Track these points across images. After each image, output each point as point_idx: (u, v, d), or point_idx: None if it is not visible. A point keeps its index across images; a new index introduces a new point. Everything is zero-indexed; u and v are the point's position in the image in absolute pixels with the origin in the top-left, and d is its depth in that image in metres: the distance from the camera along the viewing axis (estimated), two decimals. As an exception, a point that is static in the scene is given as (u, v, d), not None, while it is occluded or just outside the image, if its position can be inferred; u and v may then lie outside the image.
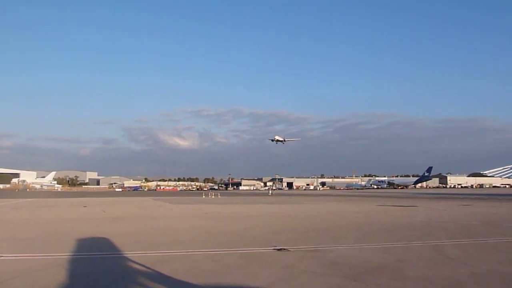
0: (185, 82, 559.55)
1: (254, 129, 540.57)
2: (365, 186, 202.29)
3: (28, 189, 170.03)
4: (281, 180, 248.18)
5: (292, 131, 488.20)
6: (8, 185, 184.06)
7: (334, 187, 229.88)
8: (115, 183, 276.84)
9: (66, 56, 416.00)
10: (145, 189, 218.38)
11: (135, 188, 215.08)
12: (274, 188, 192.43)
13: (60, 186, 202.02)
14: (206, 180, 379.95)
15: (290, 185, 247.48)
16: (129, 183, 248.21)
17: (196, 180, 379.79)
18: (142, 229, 20.08)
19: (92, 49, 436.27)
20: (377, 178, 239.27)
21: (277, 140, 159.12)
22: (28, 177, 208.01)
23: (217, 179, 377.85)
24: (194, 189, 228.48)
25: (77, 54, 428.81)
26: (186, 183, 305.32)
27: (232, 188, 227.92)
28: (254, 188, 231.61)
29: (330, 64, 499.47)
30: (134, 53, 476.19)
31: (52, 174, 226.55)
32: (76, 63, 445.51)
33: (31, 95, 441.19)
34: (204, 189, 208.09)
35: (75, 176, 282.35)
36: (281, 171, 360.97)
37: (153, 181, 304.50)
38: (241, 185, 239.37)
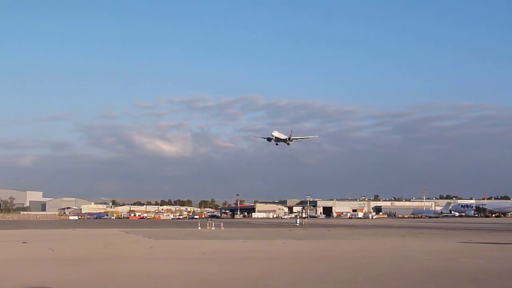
0: (171, 58, 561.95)
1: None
2: (441, 212, 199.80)
3: None
4: (314, 204, 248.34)
5: (329, 131, 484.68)
6: None
7: (395, 214, 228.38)
8: (68, 207, 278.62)
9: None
10: (113, 217, 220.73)
11: (98, 216, 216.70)
12: (304, 215, 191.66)
13: None
14: (203, 204, 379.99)
15: (328, 211, 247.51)
16: (90, 207, 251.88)
17: (189, 203, 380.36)
18: (107, 277, 20.05)
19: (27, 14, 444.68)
20: (459, 202, 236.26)
21: (277, 139, 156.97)
22: None
23: (219, 202, 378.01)
24: (185, 216, 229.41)
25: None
26: (173, 207, 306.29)
27: (242, 215, 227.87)
28: (275, 215, 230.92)
29: (383, 34, 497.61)
30: (86, 16, 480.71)
31: None
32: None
33: None
34: (201, 216, 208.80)
35: (10, 198, 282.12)
36: (314, 191, 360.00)
37: (124, 204, 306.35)
38: (254, 211, 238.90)
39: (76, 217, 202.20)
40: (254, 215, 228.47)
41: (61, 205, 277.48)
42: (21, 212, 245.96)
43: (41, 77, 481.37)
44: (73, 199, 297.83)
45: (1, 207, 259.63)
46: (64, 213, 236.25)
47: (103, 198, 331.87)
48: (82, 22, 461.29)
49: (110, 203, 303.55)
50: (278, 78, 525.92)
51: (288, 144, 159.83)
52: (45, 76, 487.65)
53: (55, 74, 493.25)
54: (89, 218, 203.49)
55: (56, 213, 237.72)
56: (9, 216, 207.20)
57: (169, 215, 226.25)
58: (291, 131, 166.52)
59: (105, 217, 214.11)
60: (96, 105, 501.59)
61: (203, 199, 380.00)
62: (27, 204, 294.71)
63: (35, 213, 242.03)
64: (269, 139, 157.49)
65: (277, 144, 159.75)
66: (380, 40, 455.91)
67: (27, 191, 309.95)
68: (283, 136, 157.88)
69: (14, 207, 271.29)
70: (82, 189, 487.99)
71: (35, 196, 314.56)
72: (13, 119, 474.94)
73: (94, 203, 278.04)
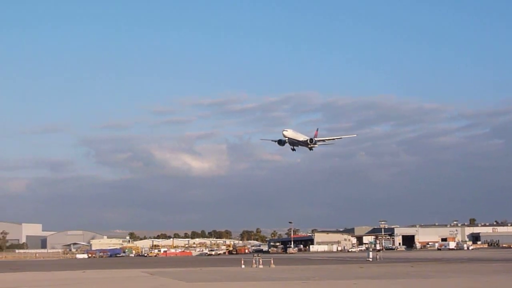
0: (195, 47, 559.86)
1: (333, 134, 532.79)
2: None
3: None
4: (391, 233, 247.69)
5: (406, 136, 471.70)
6: None
7: (498, 244, 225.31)
8: (75, 243, 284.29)
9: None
10: (132, 254, 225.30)
11: (113, 253, 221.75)
12: (378, 247, 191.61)
13: None
14: (245, 236, 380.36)
15: (409, 241, 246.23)
16: (102, 243, 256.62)
17: (227, 235, 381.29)
18: None
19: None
20: None
21: (292, 142, 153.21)
22: None
23: (267, 232, 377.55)
24: (223, 251, 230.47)
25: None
26: (208, 240, 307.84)
27: (296, 248, 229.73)
28: (339, 247, 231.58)
29: (466, 20, 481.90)
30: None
31: None
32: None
33: None
34: (243, 251, 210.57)
35: (2, 233, 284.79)
36: (390, 215, 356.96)
37: (145, 238, 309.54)
38: (313, 243, 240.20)
39: (85, 256, 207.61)
40: (313, 248, 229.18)
41: (65, 240, 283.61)
42: (16, 251, 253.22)
43: (30, 78, 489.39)
44: (80, 232, 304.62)
45: None
46: (70, 250, 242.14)
47: (118, 231, 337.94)
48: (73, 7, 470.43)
49: (127, 237, 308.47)
50: (337, 70, 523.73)
51: (310, 148, 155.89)
52: (34, 77, 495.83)
53: (46, 73, 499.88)
54: (101, 256, 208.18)
55: (60, 250, 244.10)
56: (1, 256, 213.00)
57: (202, 250, 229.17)
58: (317, 130, 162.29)
59: (122, 254, 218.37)
60: (101, 111, 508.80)
61: (246, 229, 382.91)
62: (23, 240, 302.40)
63: (33, 251, 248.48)
64: (280, 142, 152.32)
65: (293, 150, 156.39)
66: (462, 28, 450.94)
67: (23, 224, 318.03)
68: (301, 137, 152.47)
69: (8, 244, 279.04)
70: (91, 220, 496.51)
71: (33, 229, 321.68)
72: None
73: (107, 237, 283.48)
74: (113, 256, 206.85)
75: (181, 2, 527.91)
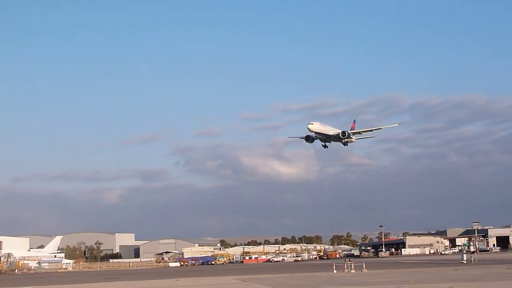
0: (283, 53, 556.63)
1: (422, 136, 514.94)
2: None
3: (17, 270, 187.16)
4: (484, 234, 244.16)
5: (500, 135, 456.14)
6: None
7: None
8: (167, 252, 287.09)
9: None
10: (223, 261, 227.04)
11: (205, 261, 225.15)
12: (472, 249, 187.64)
13: (71, 262, 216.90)
14: (336, 240, 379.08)
15: (503, 242, 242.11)
16: (194, 251, 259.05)
17: (318, 240, 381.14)
18: None
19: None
20: None
21: (321, 136, 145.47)
22: (16, 247, 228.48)
23: (357, 236, 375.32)
24: (314, 257, 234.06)
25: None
26: (298, 246, 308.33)
27: (388, 252, 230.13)
28: (432, 250, 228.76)
29: None
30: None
31: (56, 241, 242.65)
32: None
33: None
34: (334, 256, 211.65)
35: (97, 243, 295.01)
36: (483, 216, 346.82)
37: (236, 245, 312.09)
38: (405, 247, 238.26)
39: (177, 264, 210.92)
40: (405, 251, 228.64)
41: (158, 249, 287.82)
42: (110, 260, 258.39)
43: (124, 91, 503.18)
44: (172, 241, 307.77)
45: (87, 255, 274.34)
46: (163, 259, 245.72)
47: (209, 239, 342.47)
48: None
49: (219, 244, 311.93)
50: (425, 69, 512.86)
51: (345, 143, 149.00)
52: (129, 89, 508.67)
53: (141, 86, 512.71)
54: (193, 264, 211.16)
55: (153, 259, 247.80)
56: (96, 266, 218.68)
57: (295, 257, 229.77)
58: (354, 122, 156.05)
59: (214, 262, 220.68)
60: (194, 120, 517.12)
61: (336, 234, 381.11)
62: (117, 250, 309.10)
63: (127, 260, 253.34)
64: (308, 138, 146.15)
65: (325, 147, 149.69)
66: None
67: (116, 234, 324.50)
68: (332, 131, 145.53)
69: (102, 254, 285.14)
70: (182, 229, 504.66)
71: (126, 239, 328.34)
72: (95, 145, 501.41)
73: (199, 245, 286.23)
74: (205, 264, 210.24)
75: (268, 7, 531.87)
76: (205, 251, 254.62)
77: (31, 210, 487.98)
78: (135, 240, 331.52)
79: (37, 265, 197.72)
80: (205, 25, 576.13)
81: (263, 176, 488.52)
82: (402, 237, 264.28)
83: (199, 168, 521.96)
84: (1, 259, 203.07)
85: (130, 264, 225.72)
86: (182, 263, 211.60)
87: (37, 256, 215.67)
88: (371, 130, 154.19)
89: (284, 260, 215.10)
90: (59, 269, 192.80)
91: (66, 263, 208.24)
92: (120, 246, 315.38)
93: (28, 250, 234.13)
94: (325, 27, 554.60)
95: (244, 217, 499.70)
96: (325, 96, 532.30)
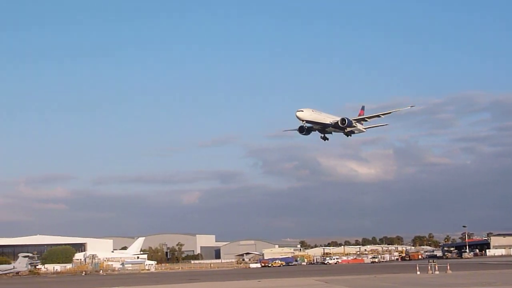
0: (360, 51, 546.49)
1: (503, 133, 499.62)
2: None
3: (102, 271, 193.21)
4: None
5: None
6: (68, 266, 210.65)
7: None
8: (247, 253, 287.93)
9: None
10: (304, 262, 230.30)
11: (286, 262, 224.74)
12: None
13: (153, 263, 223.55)
14: (418, 241, 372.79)
15: None
16: (274, 252, 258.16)
17: (399, 241, 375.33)
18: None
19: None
20: None
21: (314, 125, 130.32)
22: (100, 248, 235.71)
23: (440, 237, 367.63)
24: (395, 258, 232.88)
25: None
26: (379, 247, 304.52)
27: (472, 253, 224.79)
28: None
29: None
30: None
31: (139, 242, 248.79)
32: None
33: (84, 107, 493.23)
34: (417, 257, 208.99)
35: (178, 244, 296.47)
36: None
37: (315, 246, 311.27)
38: (489, 247, 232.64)
39: (258, 265, 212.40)
40: (489, 252, 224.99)
41: (238, 250, 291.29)
42: (192, 261, 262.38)
43: (200, 94, 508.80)
44: (252, 242, 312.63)
45: (168, 256, 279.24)
46: (243, 260, 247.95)
47: (288, 240, 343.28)
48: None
49: (298, 245, 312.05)
50: (504, 66, 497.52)
51: (347, 134, 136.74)
52: (203, 92, 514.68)
53: (215, 89, 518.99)
54: (274, 265, 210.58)
55: (233, 260, 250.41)
56: (178, 267, 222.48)
57: (377, 258, 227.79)
58: (363, 109, 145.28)
59: (295, 263, 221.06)
60: (267, 122, 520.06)
61: (418, 235, 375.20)
62: (198, 251, 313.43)
63: (208, 261, 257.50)
64: (302, 130, 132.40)
65: (325, 139, 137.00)
66: None
67: (197, 235, 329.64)
68: (328, 119, 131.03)
69: (183, 255, 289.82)
70: (261, 229, 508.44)
71: (207, 240, 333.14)
72: (171, 148, 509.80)
73: (279, 246, 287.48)
74: (287, 265, 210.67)
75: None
76: (285, 252, 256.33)
77: (112, 212, 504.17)
78: (216, 241, 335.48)
79: (121, 266, 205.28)
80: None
81: (341, 176, 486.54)
82: (486, 238, 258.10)
83: (275, 170, 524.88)
84: (86, 260, 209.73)
85: (211, 265, 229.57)
86: (263, 264, 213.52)
87: (120, 257, 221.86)
88: (378, 116, 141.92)
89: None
90: (142, 270, 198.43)
91: (149, 264, 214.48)
92: (201, 248, 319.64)
93: (112, 252, 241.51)
94: (401, 23, 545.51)
95: (323, 218, 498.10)
96: (401, 96, 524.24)
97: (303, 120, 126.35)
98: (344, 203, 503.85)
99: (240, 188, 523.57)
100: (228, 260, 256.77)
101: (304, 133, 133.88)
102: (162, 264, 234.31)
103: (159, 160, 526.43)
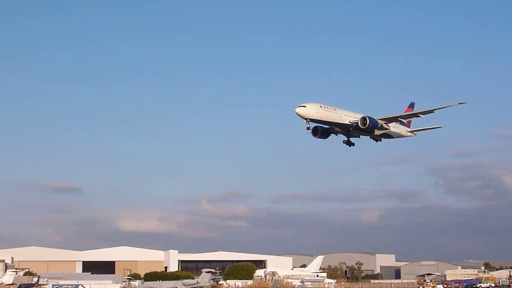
0: None
1: None
2: None
3: None
4: None
5: None
6: (249, 282, 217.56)
7: None
8: (428, 273, 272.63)
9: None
10: (488, 284, 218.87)
11: (469, 284, 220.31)
12: None
13: (333, 281, 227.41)
14: None
15: None
16: (456, 273, 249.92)
17: None
18: None
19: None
20: None
21: (334, 125, 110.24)
22: (280, 266, 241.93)
23: None
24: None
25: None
26: None
27: None
28: None
29: None
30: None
31: (318, 260, 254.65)
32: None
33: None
34: None
35: (357, 263, 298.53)
36: None
37: (501, 268, 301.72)
38: None
39: (441, 286, 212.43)
40: None
41: (419, 270, 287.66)
42: (371, 281, 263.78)
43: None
44: (433, 262, 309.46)
45: (347, 275, 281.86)
46: (424, 281, 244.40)
47: (471, 261, 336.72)
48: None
49: (482, 267, 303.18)
50: None
51: (376, 138, 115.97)
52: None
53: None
54: (457, 287, 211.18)
55: (414, 281, 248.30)
56: (357, 286, 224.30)
57: None
58: (411, 107, 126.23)
59: (478, 285, 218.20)
60: (447, 140, 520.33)
61: None
62: (378, 270, 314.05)
63: (388, 281, 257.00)
64: (316, 132, 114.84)
65: (349, 144, 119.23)
66: None
67: (376, 254, 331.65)
68: (347, 118, 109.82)
69: (363, 275, 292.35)
70: (443, 250, 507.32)
71: (386, 260, 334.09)
72: (349, 166, 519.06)
73: (461, 267, 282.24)
74: (469, 287, 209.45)
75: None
76: (469, 273, 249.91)
77: (291, 230, 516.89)
78: (396, 261, 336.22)
79: (301, 283, 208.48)
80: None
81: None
82: None
83: (457, 189, 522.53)
84: (267, 277, 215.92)
85: (392, 285, 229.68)
86: (445, 286, 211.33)
87: (300, 275, 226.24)
88: (416, 115, 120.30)
89: None
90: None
91: (328, 283, 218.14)
92: (381, 267, 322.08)
93: (292, 269, 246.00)
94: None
95: (509, 239, 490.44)
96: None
97: (306, 119, 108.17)
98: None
99: (420, 207, 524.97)
100: (408, 281, 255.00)
101: (318, 135, 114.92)
102: (342, 283, 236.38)
103: (338, 178, 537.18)
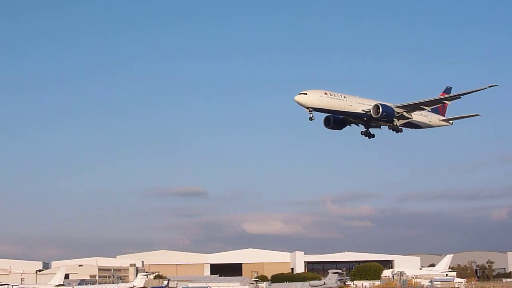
0: None
1: None
2: None
3: None
4: None
5: None
6: (377, 282, 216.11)
7: None
8: None
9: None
10: None
11: None
12: None
13: (463, 281, 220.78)
14: None
15: None
16: None
17: None
18: None
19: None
20: None
21: (343, 114, 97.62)
22: (407, 265, 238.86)
23: None
24: None
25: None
26: None
27: None
28: None
29: None
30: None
31: (447, 259, 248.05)
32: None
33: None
34: None
35: (488, 262, 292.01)
36: None
37: None
38: None
39: None
40: None
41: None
42: (503, 280, 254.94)
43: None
44: None
45: (478, 274, 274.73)
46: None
47: None
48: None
49: None
50: None
51: (396, 129, 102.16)
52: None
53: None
54: None
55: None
56: (488, 285, 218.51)
57: None
58: (446, 91, 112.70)
59: None
60: None
61: None
62: (510, 269, 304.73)
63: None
64: (328, 122, 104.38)
65: (369, 135, 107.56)
66: None
67: (508, 252, 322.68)
68: (360, 106, 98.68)
69: (494, 273, 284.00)
70: None
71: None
72: (475, 163, 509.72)
73: None
74: None
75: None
76: None
77: (418, 229, 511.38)
78: None
79: (429, 283, 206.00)
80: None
81: None
82: None
83: None
84: (394, 278, 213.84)
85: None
86: None
87: (428, 275, 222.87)
88: (439, 101, 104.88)
89: None
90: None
91: (458, 282, 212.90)
92: None
93: (420, 269, 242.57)
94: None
95: None
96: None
97: (308, 108, 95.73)
98: None
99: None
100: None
101: (331, 126, 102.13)
102: (472, 283, 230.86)
103: (464, 176, 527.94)
